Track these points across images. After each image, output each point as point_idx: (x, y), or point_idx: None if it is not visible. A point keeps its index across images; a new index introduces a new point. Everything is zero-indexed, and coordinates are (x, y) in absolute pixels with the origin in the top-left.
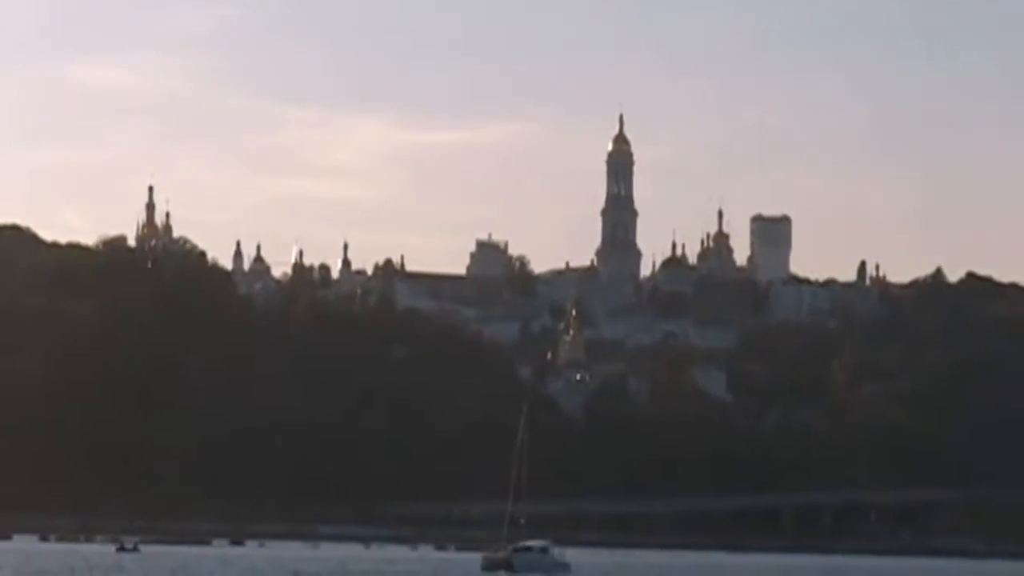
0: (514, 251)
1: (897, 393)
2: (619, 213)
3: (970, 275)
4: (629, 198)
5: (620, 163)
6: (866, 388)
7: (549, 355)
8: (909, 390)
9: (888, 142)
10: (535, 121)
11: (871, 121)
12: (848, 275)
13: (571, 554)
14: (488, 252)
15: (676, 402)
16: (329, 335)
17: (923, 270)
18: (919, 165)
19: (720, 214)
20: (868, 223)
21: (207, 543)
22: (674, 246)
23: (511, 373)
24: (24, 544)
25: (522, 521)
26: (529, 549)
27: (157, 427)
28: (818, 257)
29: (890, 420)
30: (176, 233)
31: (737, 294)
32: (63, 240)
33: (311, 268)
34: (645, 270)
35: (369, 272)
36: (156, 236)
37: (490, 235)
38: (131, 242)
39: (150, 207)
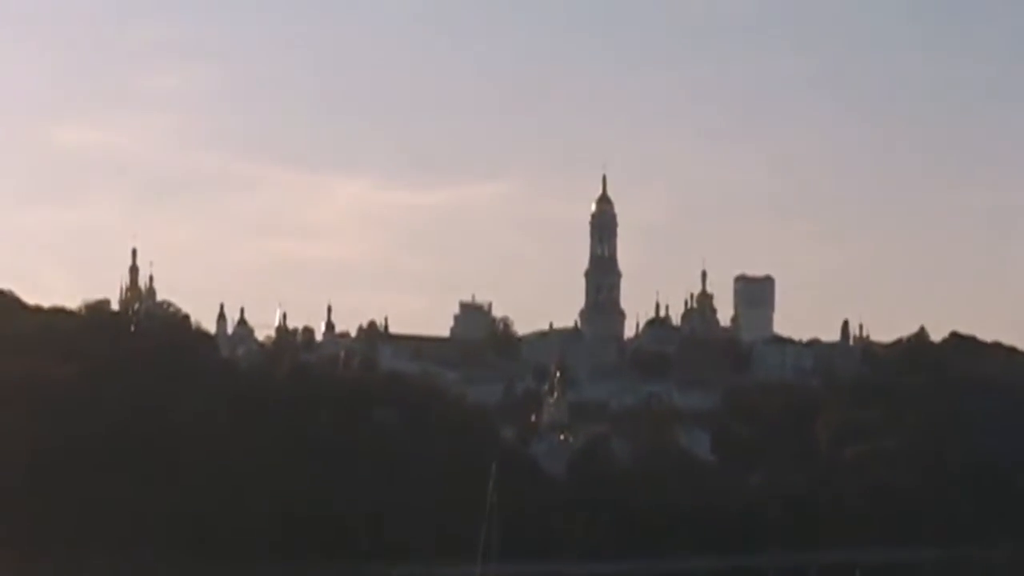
0: (498, 312)
1: (880, 452)
2: (603, 274)
3: (953, 334)
4: (613, 259)
5: (604, 224)
6: (849, 447)
7: (533, 417)
8: (892, 449)
9: (873, 203)
10: (519, 181)
11: (856, 182)
12: (831, 334)
13: None
14: (472, 314)
15: (659, 462)
16: (312, 398)
17: (906, 329)
18: (903, 226)
19: (703, 274)
20: (851, 283)
21: None
22: (658, 307)
23: (494, 435)
24: None
25: None
26: None
27: (140, 490)
28: (801, 317)
29: (873, 479)
30: (159, 296)
31: (721, 354)
32: (46, 304)
33: (294, 331)
34: (629, 331)
35: (352, 334)
36: (139, 299)
37: (474, 296)
38: (114, 305)
39: (133, 270)
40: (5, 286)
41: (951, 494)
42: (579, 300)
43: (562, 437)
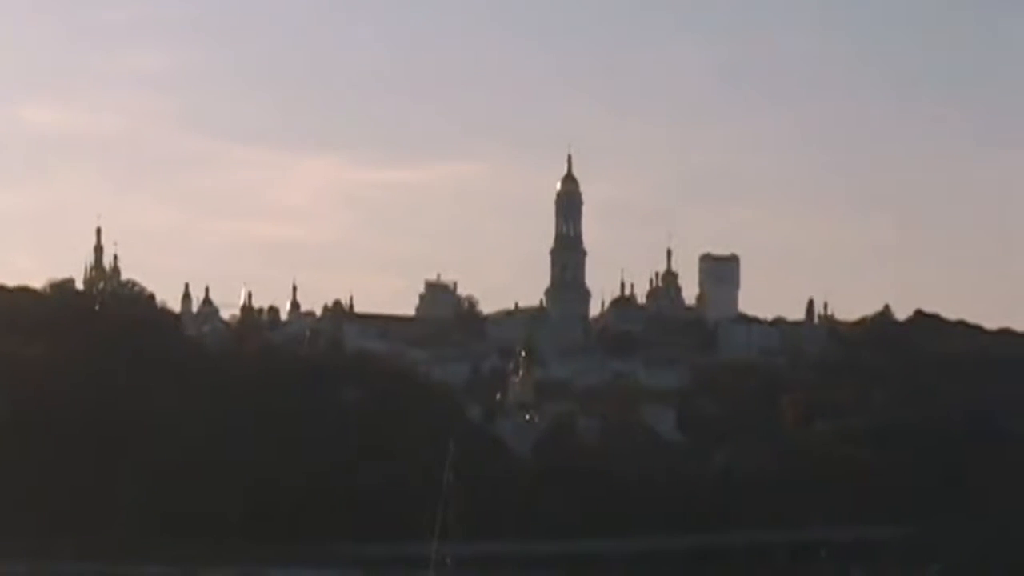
0: (463, 291)
1: (847, 431)
2: (568, 253)
3: (918, 312)
4: (578, 238)
5: (569, 203)
6: (816, 425)
7: (499, 396)
8: (859, 428)
9: (836, 180)
10: (484, 161)
11: (819, 160)
12: (797, 313)
13: None
14: (437, 293)
15: (626, 441)
16: (278, 377)
17: (871, 308)
18: (867, 203)
19: (669, 253)
20: (816, 261)
21: None
22: (623, 286)
23: (461, 414)
24: None
25: (448, 561)
26: None
27: (107, 470)
28: (767, 296)
29: (840, 457)
30: (124, 276)
31: (686, 333)
32: (11, 283)
33: (260, 310)
34: (594, 310)
35: (318, 314)
36: (104, 278)
37: (439, 276)
38: (79, 285)
39: (98, 250)
40: None
41: (918, 472)
42: (544, 279)
43: (528, 416)
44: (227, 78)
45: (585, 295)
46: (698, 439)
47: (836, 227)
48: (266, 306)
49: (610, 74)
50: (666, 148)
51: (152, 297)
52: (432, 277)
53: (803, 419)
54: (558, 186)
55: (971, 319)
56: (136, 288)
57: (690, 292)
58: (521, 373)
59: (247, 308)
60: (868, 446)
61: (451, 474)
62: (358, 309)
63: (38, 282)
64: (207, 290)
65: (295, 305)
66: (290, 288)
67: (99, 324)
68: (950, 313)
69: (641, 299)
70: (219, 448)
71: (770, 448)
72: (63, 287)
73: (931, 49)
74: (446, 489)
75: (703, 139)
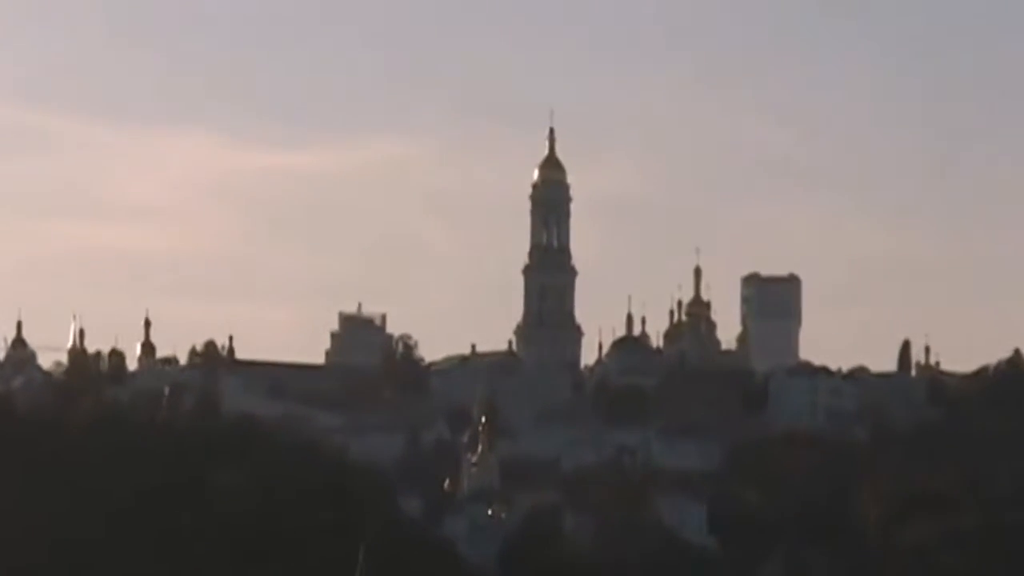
0: (395, 329)
1: (956, 533)
2: (549, 272)
3: None
4: (564, 251)
5: (551, 199)
6: (911, 527)
7: (447, 482)
8: (973, 529)
9: (938, 166)
10: (427, 140)
11: (909, 138)
12: (884, 362)
13: None
14: (357, 331)
15: (634, 547)
16: (123, 454)
17: (993, 353)
18: (988, 203)
19: (697, 273)
20: (912, 286)
21: None
22: (630, 320)
23: (392, 508)
24: None
25: None
26: None
27: None
28: (839, 336)
29: (946, 572)
30: None
31: (722, 390)
32: None
33: (97, 355)
34: (588, 356)
35: (183, 360)
36: None
37: (360, 306)
38: None
39: None
40: None
41: None
42: (515, 310)
43: (491, 512)
44: (57, 33)
45: (574, 334)
46: (739, 545)
47: (940, 238)
48: (106, 349)
49: (607, 22)
50: (687, 124)
51: None
52: (349, 308)
53: (893, 517)
54: (535, 175)
55: None
56: None
57: (728, 330)
58: (480, 448)
59: (78, 352)
60: (985, 555)
61: None
62: (241, 354)
63: None
64: (19, 326)
65: (148, 348)
66: (142, 323)
67: None
68: None
69: (656, 340)
70: (34, 554)
71: (844, 559)
72: None
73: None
74: None
75: (738, 111)
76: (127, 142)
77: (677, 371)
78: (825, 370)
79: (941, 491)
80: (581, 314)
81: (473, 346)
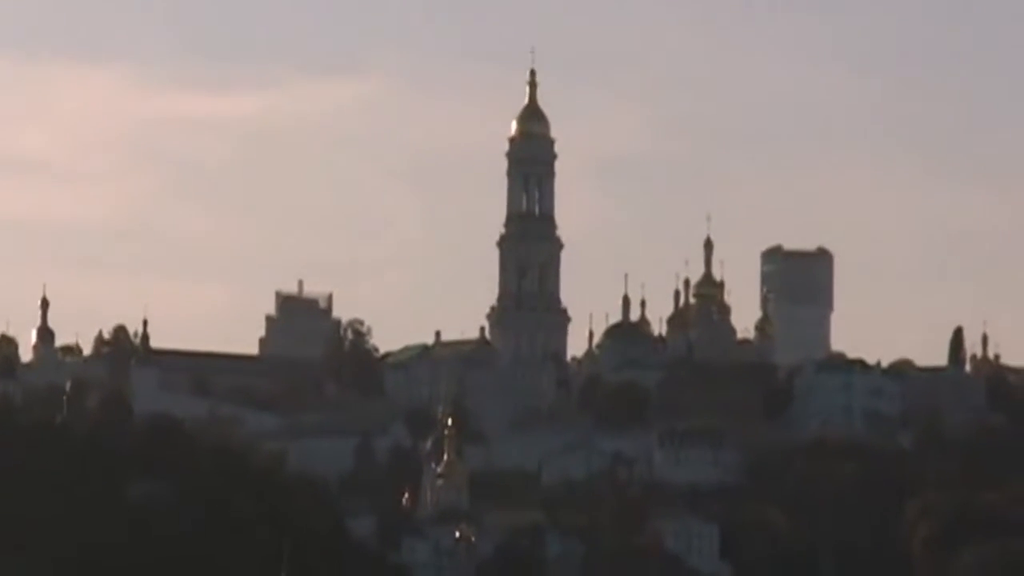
0: (344, 314)
1: (1020, 560)
2: (530, 244)
3: None
4: (547, 219)
5: (531, 157)
6: (967, 552)
7: (406, 497)
8: None
9: (997, 120)
10: (384, 85)
11: (956, 87)
12: (934, 354)
13: None
14: (298, 314)
15: (630, 574)
16: (16, 460)
17: None
18: None
19: (708, 245)
20: (968, 263)
21: None
22: (627, 303)
23: (337, 528)
24: None
25: None
26: None
27: None
28: (880, 323)
29: None
30: None
31: (739, 388)
32: None
33: None
34: (576, 346)
35: (87, 349)
36: None
37: (301, 284)
38: None
39: None
40: None
41: None
42: (489, 290)
43: (459, 534)
44: None
45: (559, 319)
46: (757, 571)
47: (1001, 205)
48: None
49: None
50: (698, 62)
51: None
52: (289, 287)
53: (945, 540)
54: (513, 127)
55: None
56: None
57: (745, 315)
58: (446, 458)
59: None
60: None
61: None
62: (157, 342)
63: None
64: None
65: (46, 335)
66: (37, 304)
67: None
68: None
69: (658, 327)
70: None
71: None
72: None
73: None
74: None
75: (755, 55)
76: (12, 81)
77: (683, 365)
78: (862, 364)
79: (1001, 510)
80: (568, 295)
81: (437, 334)
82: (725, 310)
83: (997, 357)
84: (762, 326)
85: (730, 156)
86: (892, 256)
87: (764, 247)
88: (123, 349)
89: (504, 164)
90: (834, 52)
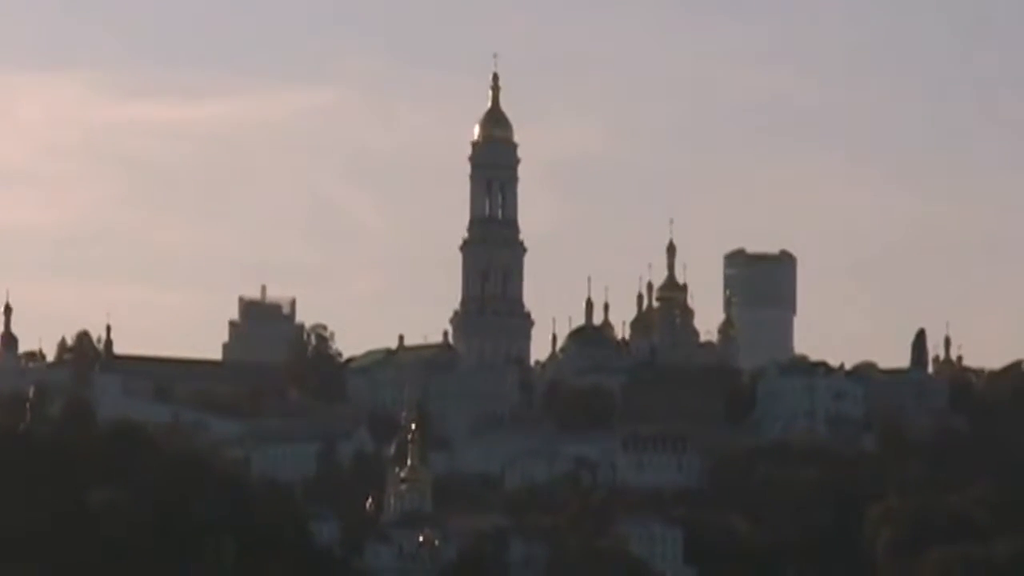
0: (306, 318)
1: (984, 560)
2: (493, 249)
3: None
4: (510, 223)
5: (494, 161)
6: (929, 556)
7: (370, 502)
8: (1006, 555)
9: (958, 124)
10: (348, 90)
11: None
12: (896, 356)
13: None
14: (260, 320)
15: None
16: None
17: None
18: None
19: (671, 250)
20: (931, 265)
21: None
22: (590, 307)
23: (301, 533)
24: None
25: None
26: None
27: None
28: (842, 326)
29: None
30: None
31: (701, 392)
32: None
33: None
34: (539, 350)
35: (50, 356)
36: None
37: (264, 289)
38: None
39: None
40: None
41: None
42: (452, 295)
43: (422, 539)
44: None
45: (523, 323)
46: (721, 574)
47: (963, 208)
48: None
49: None
50: (658, 69)
51: None
52: (252, 293)
53: (907, 544)
54: (476, 132)
55: None
56: None
57: (708, 319)
58: (410, 461)
59: None
60: None
61: None
62: (121, 348)
63: None
64: None
65: (9, 341)
66: (0, 311)
67: None
68: None
69: (621, 331)
70: None
71: None
72: None
73: None
74: None
75: (718, 55)
76: None
77: (647, 369)
78: (825, 367)
79: (965, 513)
80: (531, 299)
81: (401, 338)
82: (688, 313)
83: (960, 359)
84: (725, 329)
85: (693, 160)
86: (854, 259)
87: (727, 250)
88: (86, 355)
89: (467, 168)
90: (797, 56)
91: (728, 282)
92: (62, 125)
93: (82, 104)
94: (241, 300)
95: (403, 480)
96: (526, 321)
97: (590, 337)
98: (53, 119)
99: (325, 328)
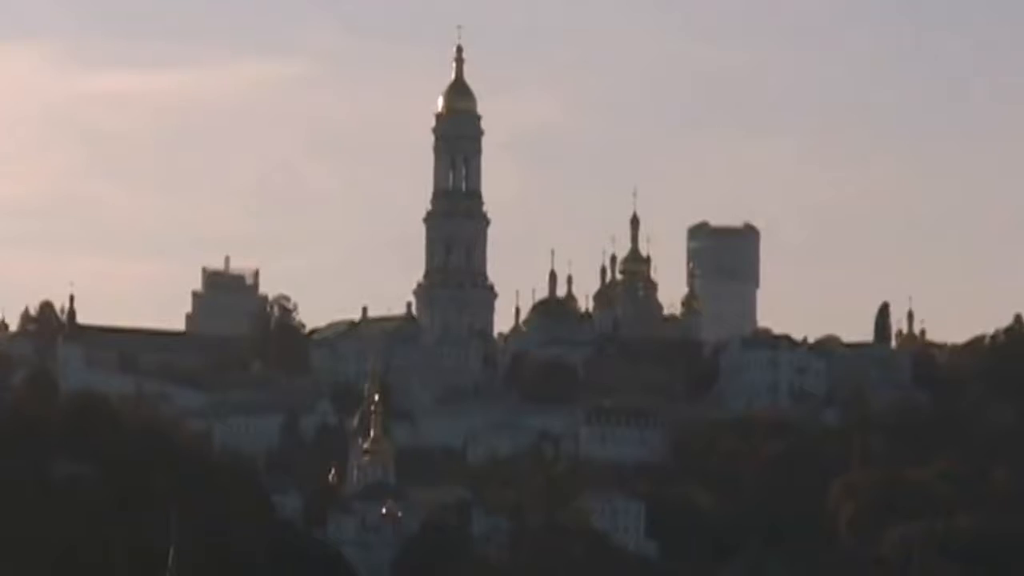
0: (269, 289)
1: (946, 538)
2: (457, 221)
3: None
4: (474, 195)
5: (458, 133)
6: (892, 530)
7: (332, 474)
8: (969, 530)
9: (917, 103)
10: (309, 60)
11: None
12: (859, 330)
13: None
14: (223, 291)
15: (557, 553)
16: None
17: (989, 322)
18: (975, 145)
19: (634, 221)
20: (893, 239)
21: None
22: (553, 278)
23: (263, 505)
24: None
25: None
26: None
27: None
28: (805, 299)
29: None
30: None
31: (665, 365)
32: None
33: None
34: (503, 323)
35: (12, 326)
36: None
37: (227, 260)
38: None
39: None
40: None
41: None
42: (415, 267)
43: (385, 511)
44: None
45: (486, 295)
46: (685, 553)
47: (926, 181)
48: None
49: None
50: (621, 39)
51: None
52: (215, 263)
53: (870, 519)
54: (439, 103)
55: None
56: None
57: (671, 291)
58: (372, 433)
59: None
60: (979, 564)
61: None
62: (84, 319)
63: None
64: None
65: None
66: None
67: None
68: None
69: (585, 303)
70: None
71: (812, 568)
72: None
73: None
74: None
75: (681, 25)
76: None
77: (610, 342)
78: (788, 340)
79: (928, 488)
80: (494, 271)
81: (364, 310)
82: (651, 286)
83: (923, 333)
84: (688, 302)
85: (657, 132)
86: (818, 232)
87: (690, 223)
88: (49, 326)
89: (431, 140)
90: (760, 29)
91: (691, 255)
92: (21, 96)
93: (40, 75)
94: (204, 271)
95: (366, 452)
96: (489, 293)
97: (553, 310)
98: (10, 90)
99: (288, 299)
